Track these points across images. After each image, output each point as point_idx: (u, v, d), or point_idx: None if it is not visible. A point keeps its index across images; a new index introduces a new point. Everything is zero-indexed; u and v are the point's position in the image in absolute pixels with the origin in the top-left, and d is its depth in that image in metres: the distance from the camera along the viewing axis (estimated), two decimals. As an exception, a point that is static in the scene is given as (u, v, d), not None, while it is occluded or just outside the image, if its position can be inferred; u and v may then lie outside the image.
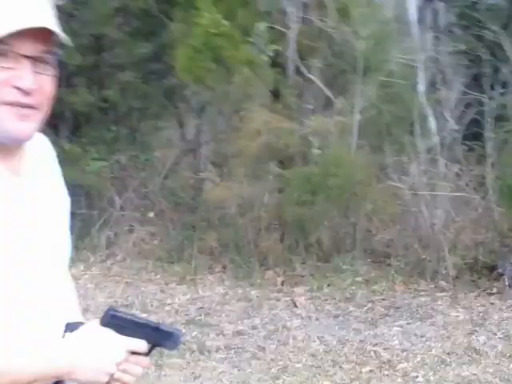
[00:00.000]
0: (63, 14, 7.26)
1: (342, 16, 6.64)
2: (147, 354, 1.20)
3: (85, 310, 5.14)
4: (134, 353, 1.17)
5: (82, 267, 6.18)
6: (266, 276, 5.81)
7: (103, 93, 8.39)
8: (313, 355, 4.37)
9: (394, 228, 6.07)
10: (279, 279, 5.72)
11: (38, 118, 1.17)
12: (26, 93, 1.12)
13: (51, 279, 1.25)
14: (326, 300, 5.31)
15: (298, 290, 5.50)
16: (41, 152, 1.34)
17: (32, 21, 1.10)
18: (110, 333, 1.15)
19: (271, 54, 6.06)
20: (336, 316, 5.02)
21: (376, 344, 4.53)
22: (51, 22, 1.13)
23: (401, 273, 5.60)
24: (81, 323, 1.22)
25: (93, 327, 1.17)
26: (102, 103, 8.37)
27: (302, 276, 5.74)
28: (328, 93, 6.55)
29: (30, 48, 1.11)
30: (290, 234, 6.15)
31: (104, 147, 8.00)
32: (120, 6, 7.88)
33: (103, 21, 7.93)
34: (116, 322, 1.16)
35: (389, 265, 5.73)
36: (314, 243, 6.08)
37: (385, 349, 4.46)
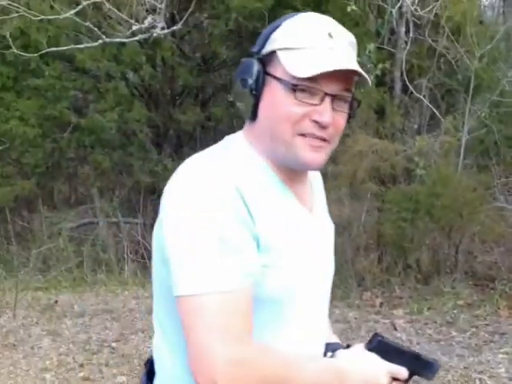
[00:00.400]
0: (176, 37, 7.58)
1: (454, 35, 6.59)
2: (406, 381, 1.29)
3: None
4: (394, 379, 1.29)
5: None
6: (364, 297, 5.74)
7: (208, 112, 8.63)
8: (415, 381, 4.26)
9: (497, 250, 5.86)
10: (378, 300, 5.64)
11: (328, 150, 1.29)
12: (322, 127, 1.24)
13: (321, 304, 1.38)
14: (427, 324, 5.18)
15: (397, 312, 5.40)
16: (316, 182, 1.48)
17: (343, 63, 1.23)
18: (374, 357, 1.28)
19: (379, 73, 6.06)
20: (437, 340, 4.89)
21: (481, 371, 4.37)
22: (356, 64, 1.26)
23: (505, 297, 5.40)
24: (340, 344, 1.39)
25: (359, 350, 1.31)
26: (206, 122, 8.60)
27: (401, 298, 5.64)
28: (436, 112, 6.46)
29: (333, 87, 1.24)
30: (388, 254, 6.08)
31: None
32: (233, 28, 8.09)
33: (214, 42, 8.16)
34: (381, 347, 1.27)
35: (492, 288, 5.54)
36: (413, 264, 5.97)
37: (490, 376, 4.30)
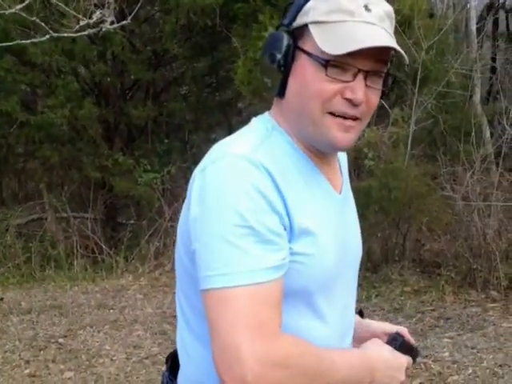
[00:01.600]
0: (126, 31, 7.52)
1: (402, 27, 6.66)
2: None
3: (133, 321, 5.26)
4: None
5: (130, 278, 6.27)
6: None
7: (159, 106, 8.59)
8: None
9: (444, 238, 5.96)
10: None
11: (359, 128, 1.22)
12: (355, 105, 1.17)
13: (350, 292, 1.35)
14: (375, 311, 5.24)
15: (346, 300, 5.44)
16: (343, 161, 1.42)
17: (379, 39, 1.15)
18: (396, 352, 1.29)
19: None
20: (384, 327, 4.94)
21: (426, 356, 4.43)
22: (393, 39, 1.19)
23: (451, 283, 5.49)
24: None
25: (380, 342, 1.29)
26: (157, 116, 8.56)
27: (350, 286, 5.69)
28: (384, 103, 6.52)
29: (367, 63, 1.17)
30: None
31: (156, 159, 8.14)
32: (184, 23, 8.05)
33: (165, 37, 8.11)
34: (403, 346, 1.33)
35: (439, 275, 5.63)
36: (362, 254, 6.03)
37: (435, 361, 4.36)
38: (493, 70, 8.78)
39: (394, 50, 1.16)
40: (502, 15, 9.99)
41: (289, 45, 1.19)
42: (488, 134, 7.00)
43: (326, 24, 1.16)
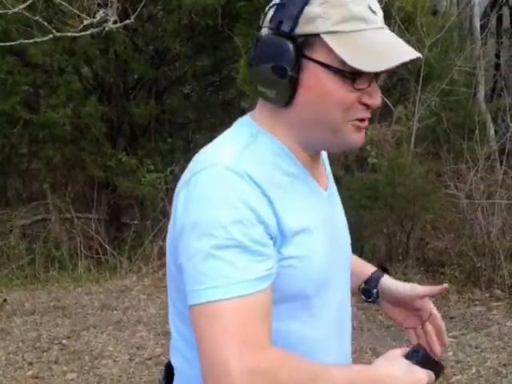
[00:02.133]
0: (129, 30, 7.53)
1: (405, 24, 6.63)
2: None
3: (137, 322, 5.26)
4: None
5: (134, 278, 6.27)
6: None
7: (162, 105, 8.59)
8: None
9: (448, 236, 5.93)
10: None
11: (367, 125, 1.22)
12: (370, 107, 1.17)
13: (344, 292, 1.33)
14: (378, 310, 5.21)
15: (350, 299, 5.43)
16: (325, 159, 1.41)
17: (406, 52, 1.15)
18: (415, 367, 1.19)
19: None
20: (388, 327, 4.93)
21: (429, 355, 4.42)
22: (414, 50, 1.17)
23: (455, 282, 5.47)
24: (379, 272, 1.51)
25: (395, 356, 1.19)
26: (160, 115, 8.56)
27: (354, 285, 5.67)
28: (387, 101, 6.50)
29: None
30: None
31: (159, 159, 8.14)
32: (187, 23, 8.04)
33: (168, 36, 8.10)
34: (424, 360, 1.23)
35: (442, 273, 5.61)
36: (368, 252, 6.01)
37: (439, 360, 4.34)
38: (497, 66, 8.74)
39: None
40: (506, 12, 9.94)
41: (297, 54, 1.13)
42: (492, 132, 6.97)
43: (341, 34, 1.12)
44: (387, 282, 1.52)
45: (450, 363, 4.28)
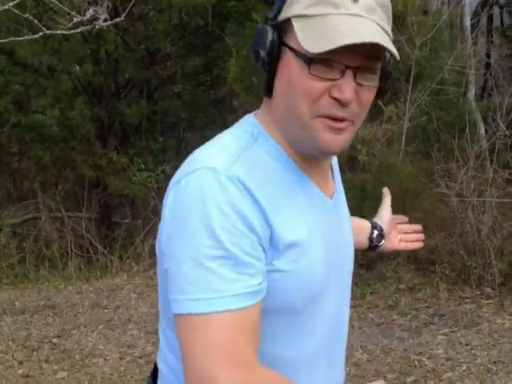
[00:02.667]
0: (119, 29, 7.54)
1: (396, 23, 6.65)
2: None
3: (127, 320, 5.25)
4: None
5: (125, 277, 6.25)
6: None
7: (153, 104, 8.58)
8: (356, 365, 4.29)
9: (439, 234, 5.94)
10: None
11: (352, 130, 1.12)
12: (343, 104, 1.08)
13: (342, 304, 1.29)
14: (369, 308, 5.23)
15: (341, 298, 5.44)
16: (335, 165, 1.35)
17: (365, 34, 1.05)
18: None
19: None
20: (379, 324, 4.94)
21: (420, 353, 4.43)
22: (383, 33, 1.08)
23: (445, 280, 5.49)
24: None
25: None
26: (151, 115, 8.55)
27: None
28: (378, 100, 6.51)
29: (356, 58, 1.07)
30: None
31: (150, 158, 8.14)
32: (177, 23, 8.04)
33: (158, 36, 8.10)
34: None
35: (433, 272, 5.62)
36: (358, 251, 6.02)
37: (429, 358, 4.36)
38: (487, 66, 8.78)
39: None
40: (496, 11, 9.98)
41: (273, 40, 1.10)
42: (482, 131, 6.99)
43: (308, 18, 1.07)
44: (378, 221, 1.67)
45: (441, 360, 4.30)
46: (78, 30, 6.62)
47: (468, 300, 5.24)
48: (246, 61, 6.76)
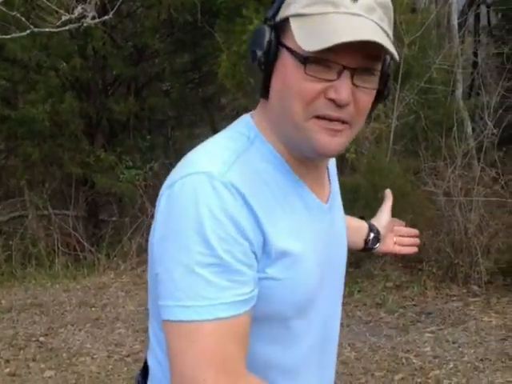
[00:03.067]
0: (107, 27, 7.51)
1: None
2: None
3: (115, 319, 5.23)
4: None
5: (112, 275, 6.23)
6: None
7: (141, 101, 8.56)
8: (344, 363, 4.30)
9: (426, 233, 5.97)
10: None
11: (349, 133, 1.09)
12: (339, 106, 1.05)
13: (334, 310, 1.29)
14: (357, 306, 5.25)
15: (329, 296, 5.44)
16: (332, 168, 1.33)
17: (363, 32, 1.02)
18: None
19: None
20: (367, 322, 4.95)
21: (408, 351, 4.45)
22: (381, 33, 1.06)
23: (432, 278, 5.51)
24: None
25: None
26: (139, 112, 8.52)
27: (333, 282, 5.69)
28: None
29: (353, 59, 1.04)
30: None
31: (138, 156, 8.11)
32: (166, 19, 8.01)
33: (147, 33, 8.06)
34: None
35: (420, 270, 5.65)
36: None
37: (417, 355, 4.38)
38: (474, 64, 8.82)
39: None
40: (483, 10, 10.03)
41: (270, 40, 1.08)
42: (470, 129, 7.02)
43: (305, 17, 1.05)
44: (376, 223, 1.65)
45: (428, 358, 4.32)
46: (66, 28, 6.59)
47: (455, 298, 5.26)
48: (237, 57, 6.76)
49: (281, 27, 1.09)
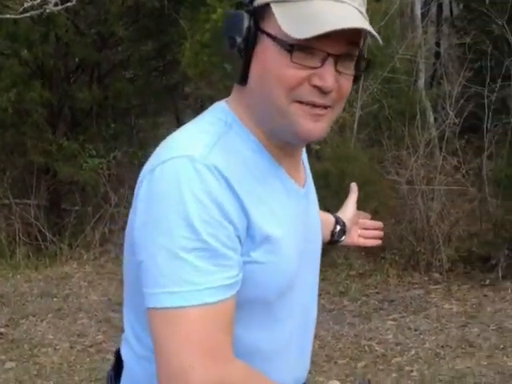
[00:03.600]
0: (70, 13, 7.37)
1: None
2: None
3: (78, 309, 5.18)
4: None
5: (75, 265, 6.17)
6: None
7: (104, 89, 8.44)
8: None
9: (389, 221, 6.03)
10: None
11: (331, 117, 1.11)
12: (324, 92, 1.06)
13: (311, 293, 1.29)
14: (321, 294, 5.26)
15: (293, 284, 5.47)
16: (304, 154, 1.32)
17: (349, 20, 1.03)
18: None
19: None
20: (330, 310, 4.99)
21: (370, 338, 4.50)
22: (365, 20, 1.08)
23: (395, 266, 5.58)
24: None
25: None
26: (103, 100, 8.40)
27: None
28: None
29: (337, 46, 1.05)
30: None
31: (102, 144, 8.01)
32: (131, 5, 7.89)
33: (111, 19, 7.94)
34: None
35: (383, 258, 5.70)
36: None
37: (379, 343, 4.44)
38: (437, 54, 8.90)
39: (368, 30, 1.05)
40: (445, 0, 10.12)
41: (249, 27, 1.07)
42: (432, 119, 7.09)
43: (289, 3, 1.04)
44: (342, 216, 1.66)
45: (390, 345, 4.38)
46: (28, 15, 6.47)
47: (417, 285, 5.34)
48: (199, 46, 6.71)
49: (260, 13, 1.07)
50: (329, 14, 1.02)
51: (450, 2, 10.35)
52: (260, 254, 1.06)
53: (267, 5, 1.06)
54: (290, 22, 1.03)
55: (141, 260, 1.03)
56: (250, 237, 1.05)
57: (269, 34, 1.06)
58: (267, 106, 1.08)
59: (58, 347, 4.52)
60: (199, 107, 8.75)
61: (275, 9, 1.05)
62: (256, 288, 1.08)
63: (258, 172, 1.10)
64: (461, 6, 9.84)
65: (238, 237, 1.04)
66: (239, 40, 1.08)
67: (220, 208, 1.01)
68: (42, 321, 4.97)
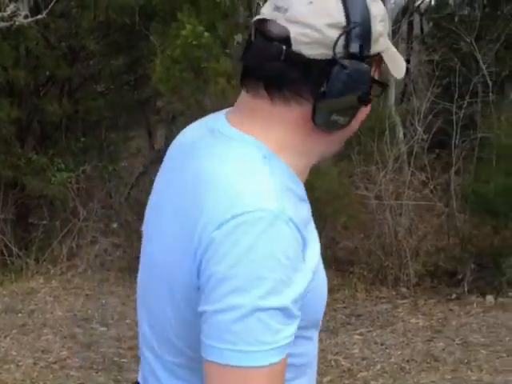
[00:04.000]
0: (40, 26, 7.32)
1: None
2: None
3: (42, 325, 5.10)
4: None
5: (41, 280, 6.08)
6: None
7: (74, 104, 8.38)
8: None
9: (358, 236, 6.06)
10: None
11: None
12: None
13: None
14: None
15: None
16: None
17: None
18: None
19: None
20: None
21: (337, 353, 4.50)
22: None
23: (363, 280, 5.59)
24: None
25: None
26: (73, 114, 8.35)
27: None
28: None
29: None
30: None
31: (71, 158, 7.95)
32: (102, 21, 7.88)
33: (82, 33, 7.92)
34: None
35: (351, 272, 5.71)
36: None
37: (345, 357, 4.43)
38: (406, 71, 8.99)
39: None
40: (416, 18, 10.26)
41: (372, 78, 1.08)
42: (401, 134, 7.16)
43: (388, 50, 1.10)
44: None
45: (356, 360, 4.37)
46: (-3, 26, 6.44)
47: (384, 300, 5.35)
48: (170, 61, 6.71)
49: (372, 62, 1.07)
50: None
51: (421, 20, 10.50)
52: (312, 283, 1.05)
53: (378, 54, 1.08)
54: (396, 67, 1.11)
55: (204, 310, 0.99)
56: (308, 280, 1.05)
57: (375, 81, 1.09)
58: (343, 138, 1.16)
59: (20, 363, 4.44)
60: (171, 121, 8.74)
61: (385, 56, 1.10)
62: (313, 313, 1.08)
63: (303, 206, 1.09)
64: (431, 23, 9.99)
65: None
66: (365, 94, 1.06)
67: (295, 266, 0.98)
68: (5, 337, 4.88)
